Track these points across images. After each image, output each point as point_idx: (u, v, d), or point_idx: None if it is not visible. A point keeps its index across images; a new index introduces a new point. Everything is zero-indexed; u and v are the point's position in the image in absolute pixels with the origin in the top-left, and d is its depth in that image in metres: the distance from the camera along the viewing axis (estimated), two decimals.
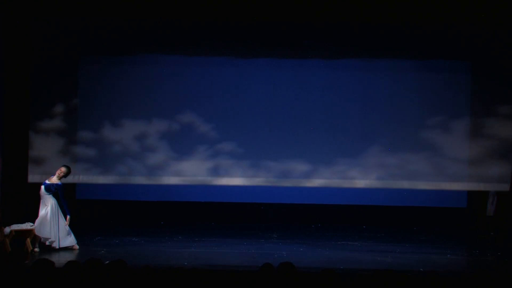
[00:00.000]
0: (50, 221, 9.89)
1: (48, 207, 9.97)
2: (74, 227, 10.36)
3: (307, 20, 12.04)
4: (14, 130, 12.04)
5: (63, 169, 10.16)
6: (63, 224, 10.00)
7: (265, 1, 11.66)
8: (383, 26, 12.16)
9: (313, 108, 13.03)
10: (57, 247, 9.93)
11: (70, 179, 10.90)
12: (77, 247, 10.13)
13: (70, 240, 10.08)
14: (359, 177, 12.94)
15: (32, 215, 10.25)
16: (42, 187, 10.07)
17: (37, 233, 9.89)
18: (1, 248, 9.62)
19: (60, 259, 9.06)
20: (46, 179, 10.19)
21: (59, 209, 10.05)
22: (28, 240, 9.81)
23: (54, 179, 10.07)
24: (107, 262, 5.46)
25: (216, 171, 12.95)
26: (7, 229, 9.82)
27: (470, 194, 13.05)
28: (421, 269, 8.78)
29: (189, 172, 12.89)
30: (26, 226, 9.92)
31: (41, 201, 10.07)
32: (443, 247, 10.67)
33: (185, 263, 8.72)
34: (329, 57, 13.04)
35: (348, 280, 5.37)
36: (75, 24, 12.44)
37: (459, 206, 13.04)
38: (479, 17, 11.74)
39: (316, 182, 13.01)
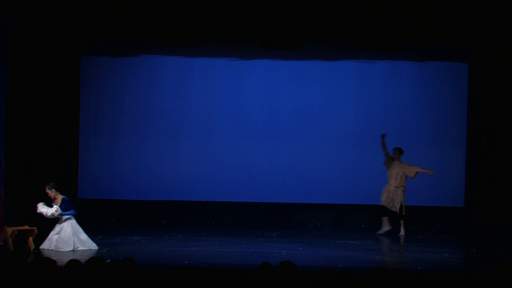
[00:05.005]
0: (70, 235, 9.83)
1: (71, 220, 9.93)
2: None
3: (307, 20, 12.07)
4: (17, 130, 12.07)
5: (48, 191, 9.86)
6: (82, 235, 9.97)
7: (265, 1, 11.69)
8: (383, 26, 12.20)
9: (313, 108, 13.10)
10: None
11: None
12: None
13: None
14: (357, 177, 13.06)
15: (36, 213, 10.26)
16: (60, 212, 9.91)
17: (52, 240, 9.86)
18: (4, 247, 9.68)
19: (62, 258, 9.11)
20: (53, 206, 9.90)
21: (77, 224, 9.97)
22: (31, 239, 9.81)
23: (58, 199, 9.88)
24: (109, 260, 5.51)
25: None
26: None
27: (467, 193, 13.11)
28: (419, 268, 8.83)
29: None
30: None
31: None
32: (440, 246, 10.72)
33: (186, 262, 8.77)
34: (328, 58, 13.09)
35: (347, 279, 5.42)
36: (75, 24, 12.48)
37: (456, 205, 13.11)
38: (477, 19, 11.79)
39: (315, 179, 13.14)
